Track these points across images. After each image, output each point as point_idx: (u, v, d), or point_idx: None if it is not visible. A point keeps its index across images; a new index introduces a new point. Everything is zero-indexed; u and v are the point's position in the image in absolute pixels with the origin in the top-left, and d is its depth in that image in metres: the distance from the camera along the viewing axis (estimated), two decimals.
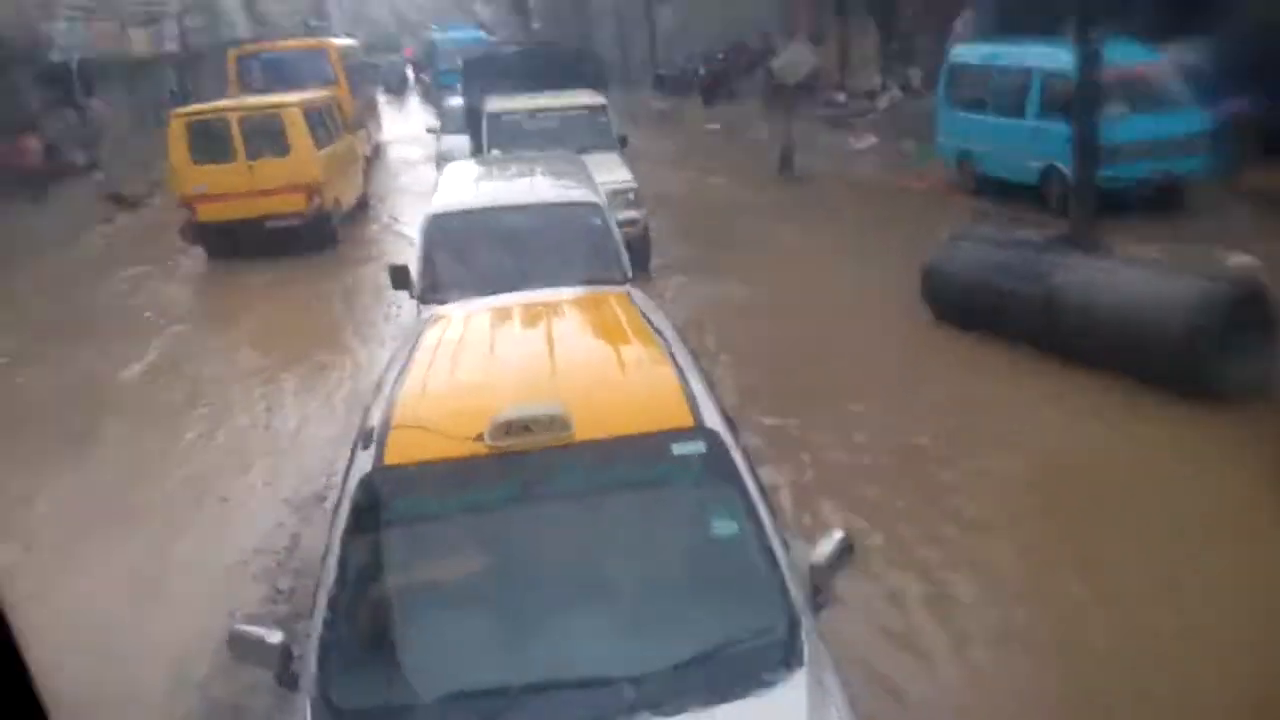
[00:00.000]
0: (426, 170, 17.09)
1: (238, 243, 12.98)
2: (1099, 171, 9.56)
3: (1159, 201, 11.77)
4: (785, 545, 3.14)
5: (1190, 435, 6.33)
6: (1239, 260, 9.45)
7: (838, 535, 3.22)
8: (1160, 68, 12.20)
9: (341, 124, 15.77)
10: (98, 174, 22.10)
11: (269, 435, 7.81)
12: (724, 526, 3.22)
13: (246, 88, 18.07)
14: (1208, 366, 6.58)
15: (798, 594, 2.97)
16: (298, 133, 13.27)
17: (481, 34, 37.52)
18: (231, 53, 21.60)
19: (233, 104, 14.54)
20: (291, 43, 24.49)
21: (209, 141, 13.11)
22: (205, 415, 8.24)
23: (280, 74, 18.43)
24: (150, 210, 18.61)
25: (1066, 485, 6.05)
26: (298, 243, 13.04)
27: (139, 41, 32.71)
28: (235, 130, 13.16)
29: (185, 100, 28.81)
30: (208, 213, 12.94)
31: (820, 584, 3.10)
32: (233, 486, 6.80)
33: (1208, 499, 5.58)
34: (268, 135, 13.18)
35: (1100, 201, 9.49)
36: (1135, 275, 7.42)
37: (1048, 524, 5.68)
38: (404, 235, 13.64)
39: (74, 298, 12.51)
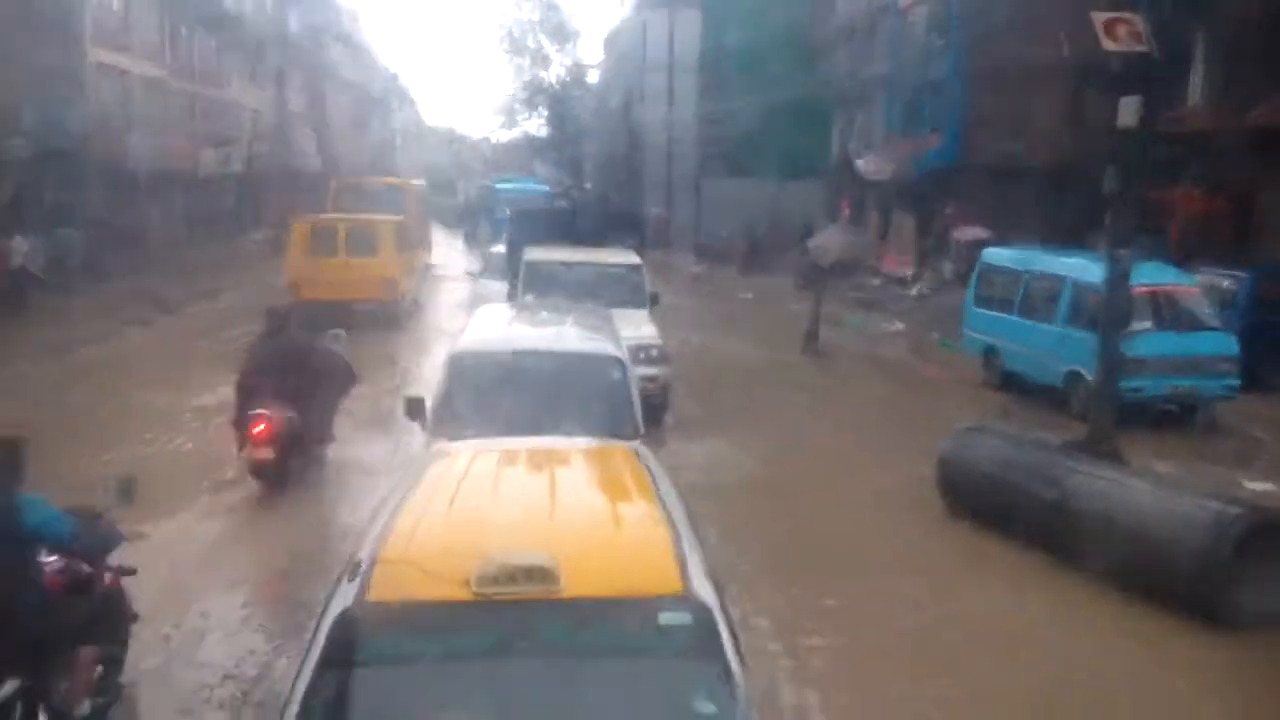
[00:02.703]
0: (458, 288, 22.07)
1: (328, 318, 15.42)
2: (1121, 382, 9.63)
3: (1181, 418, 11.76)
4: None
5: (1189, 661, 6.08)
6: (1258, 486, 9.33)
7: None
8: (1190, 289, 12.43)
9: (409, 243, 20.04)
10: (143, 277, 22.83)
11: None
12: (703, 707, 3.08)
13: (340, 208, 22.59)
14: (1217, 591, 6.37)
15: None
16: (385, 241, 17.64)
17: (543, 187, 38.59)
18: (333, 182, 27.56)
19: (342, 216, 19.35)
20: (377, 179, 31.59)
21: (320, 241, 17.36)
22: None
23: (366, 200, 23.06)
24: (185, 318, 19.08)
25: (1053, 703, 5.72)
26: (374, 322, 16.09)
27: (208, 161, 34.39)
28: (342, 235, 17.50)
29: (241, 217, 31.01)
30: (310, 292, 15.82)
31: None
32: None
33: None
34: (365, 241, 17.42)
35: (1121, 412, 9.51)
36: (1150, 490, 7.31)
37: None
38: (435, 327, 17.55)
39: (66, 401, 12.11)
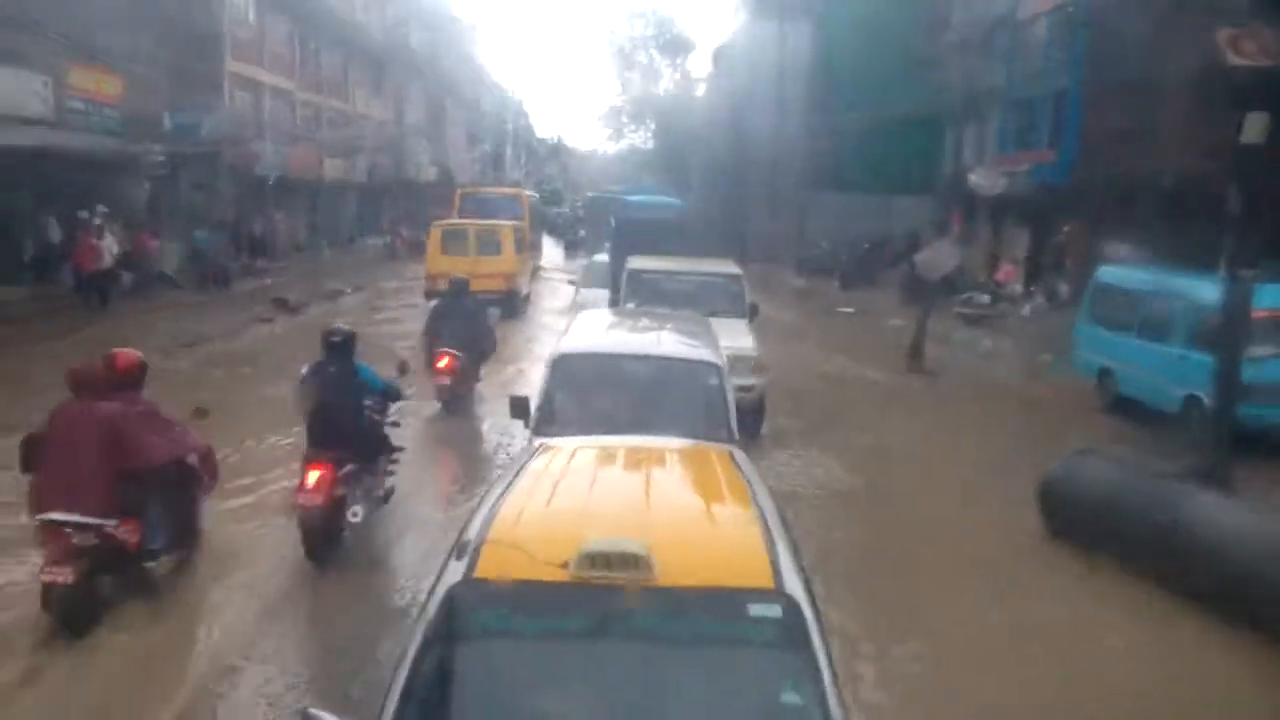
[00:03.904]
0: (562, 287, 24.78)
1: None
2: (1241, 409, 9.24)
3: None
4: None
5: None
6: None
7: None
8: None
9: (524, 245, 23.27)
10: (267, 279, 24.04)
11: None
12: (790, 698, 3.16)
13: (464, 213, 25.59)
14: None
15: None
16: (507, 243, 21.02)
17: (675, 200, 37.59)
18: (457, 191, 30.76)
19: (471, 221, 22.64)
20: (496, 189, 35.52)
21: (453, 241, 20.72)
22: None
23: (486, 207, 26.05)
24: (306, 317, 19.95)
25: None
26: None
27: (332, 170, 35.91)
28: (471, 236, 20.89)
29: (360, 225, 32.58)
30: (444, 283, 17.97)
31: None
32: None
33: None
34: (489, 242, 20.77)
35: (1241, 440, 9.13)
36: (1260, 519, 7.03)
37: None
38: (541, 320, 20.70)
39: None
